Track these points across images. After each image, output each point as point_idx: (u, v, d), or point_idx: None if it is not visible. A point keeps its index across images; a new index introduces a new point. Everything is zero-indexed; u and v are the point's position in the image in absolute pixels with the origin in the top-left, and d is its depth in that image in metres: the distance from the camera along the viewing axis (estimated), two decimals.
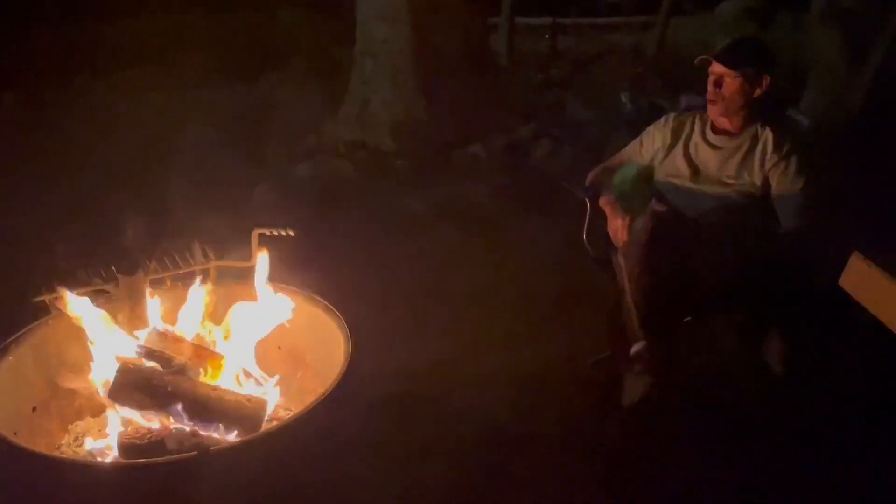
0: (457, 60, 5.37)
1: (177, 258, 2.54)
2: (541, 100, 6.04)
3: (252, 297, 2.50)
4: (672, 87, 6.02)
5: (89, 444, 2.23)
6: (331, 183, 4.71)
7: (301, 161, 4.94)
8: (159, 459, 1.89)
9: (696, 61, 2.71)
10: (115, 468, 1.98)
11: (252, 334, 2.46)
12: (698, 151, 2.83)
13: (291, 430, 1.90)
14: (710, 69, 2.68)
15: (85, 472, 1.84)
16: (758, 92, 2.66)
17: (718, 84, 2.66)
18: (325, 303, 2.43)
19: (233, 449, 1.91)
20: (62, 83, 6.37)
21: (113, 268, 2.41)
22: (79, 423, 2.38)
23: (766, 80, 2.65)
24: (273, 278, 2.51)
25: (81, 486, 1.78)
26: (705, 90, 2.77)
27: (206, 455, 1.79)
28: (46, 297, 2.24)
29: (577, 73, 7.22)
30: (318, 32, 7.61)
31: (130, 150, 5.01)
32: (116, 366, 2.23)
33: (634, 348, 2.34)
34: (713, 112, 2.73)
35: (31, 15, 6.91)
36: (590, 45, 8.59)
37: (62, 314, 2.23)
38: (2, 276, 3.12)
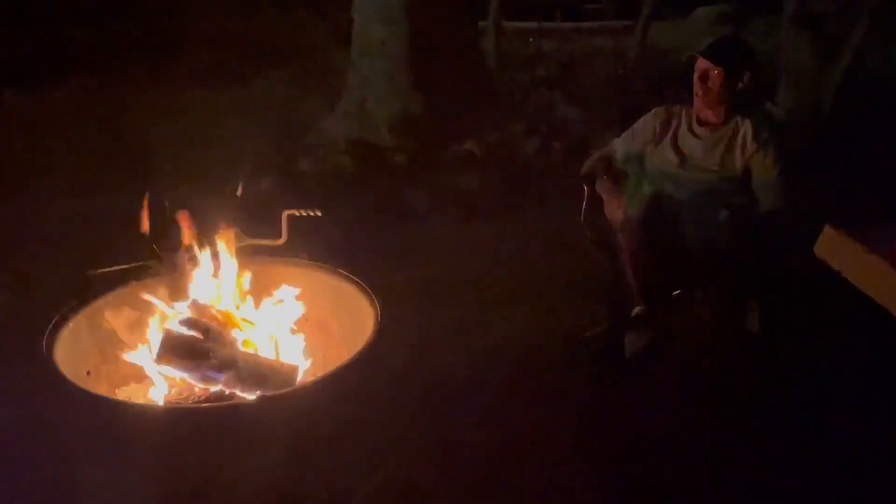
0: (450, 60, 5.60)
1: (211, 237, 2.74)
2: (529, 99, 6.30)
3: (283, 274, 2.73)
4: (653, 88, 6.31)
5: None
6: (332, 176, 4.93)
7: (303, 156, 5.15)
8: (223, 404, 2.10)
9: (683, 57, 2.98)
10: (192, 410, 2.24)
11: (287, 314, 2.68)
12: (685, 141, 3.09)
13: (338, 379, 2.14)
14: (696, 65, 2.95)
15: (158, 415, 2.07)
16: (739, 85, 2.93)
17: (704, 79, 2.92)
18: (353, 277, 2.65)
19: (284, 397, 2.14)
20: (64, 81, 6.51)
21: (155, 246, 2.62)
22: (124, 387, 2.58)
23: (747, 75, 2.93)
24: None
25: (151, 428, 2.01)
26: (690, 86, 3.05)
27: (271, 399, 2.01)
28: (99, 271, 2.44)
29: (562, 74, 7.49)
30: (311, 34, 7.81)
31: (137, 146, 5.19)
32: (161, 334, 2.46)
33: (635, 311, 2.60)
34: (699, 104, 2.99)
35: (31, 14, 7.03)
36: (573, 48, 8.88)
37: (113, 287, 2.45)
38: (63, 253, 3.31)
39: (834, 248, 2.26)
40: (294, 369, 2.49)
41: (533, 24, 9.17)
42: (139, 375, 2.62)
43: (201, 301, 2.60)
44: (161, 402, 2.39)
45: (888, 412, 2.71)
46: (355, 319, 2.60)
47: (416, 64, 5.46)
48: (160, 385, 2.46)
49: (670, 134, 3.12)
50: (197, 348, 2.43)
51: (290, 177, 4.83)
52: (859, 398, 2.80)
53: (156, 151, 4.84)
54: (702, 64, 2.91)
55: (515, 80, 7.03)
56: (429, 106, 5.45)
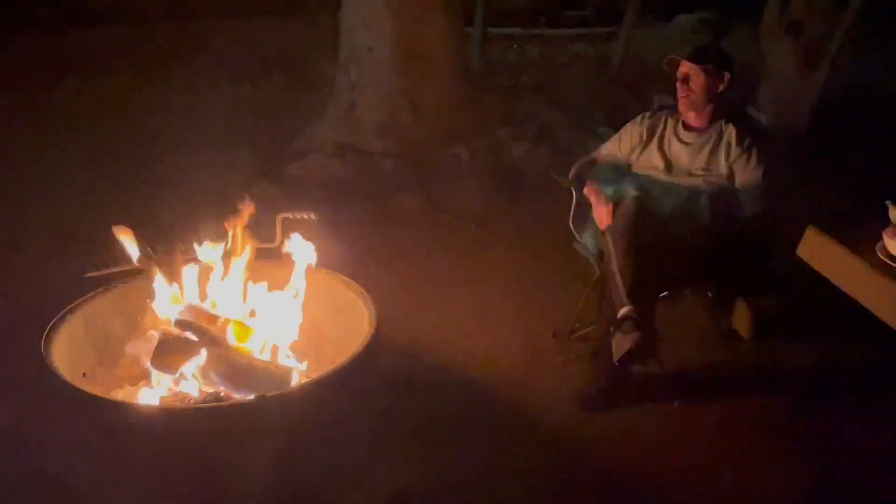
0: (436, 66, 5.64)
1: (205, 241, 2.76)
2: (515, 105, 6.36)
3: (274, 275, 2.76)
4: (636, 94, 6.40)
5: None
6: (322, 181, 4.94)
7: (292, 161, 5.18)
8: (219, 404, 2.13)
9: (664, 61, 3.04)
10: (187, 411, 2.26)
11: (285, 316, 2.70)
12: (671, 146, 3.16)
13: (334, 380, 2.17)
14: (679, 70, 3.01)
15: (154, 416, 2.09)
16: (721, 87, 3.00)
17: (686, 81, 2.99)
18: (348, 280, 2.68)
19: (280, 398, 2.17)
20: (45, 86, 6.51)
21: (149, 249, 2.64)
22: (119, 390, 2.60)
23: (727, 77, 3.00)
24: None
25: (148, 429, 2.04)
26: (674, 92, 3.12)
27: (266, 400, 2.04)
28: (95, 273, 2.46)
29: (546, 80, 7.56)
30: (297, 40, 7.83)
31: (127, 152, 5.21)
32: (157, 336, 2.48)
33: (622, 312, 2.65)
34: (683, 107, 3.05)
35: (22, 19, 7.02)
36: (557, 55, 8.97)
37: (110, 289, 2.47)
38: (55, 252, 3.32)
39: (816, 249, 2.34)
40: (289, 371, 2.52)
41: (517, 31, 9.25)
42: (135, 377, 2.64)
43: (197, 303, 2.62)
44: (157, 404, 2.41)
45: (874, 410, 2.79)
46: (350, 321, 2.64)
47: (404, 70, 5.49)
48: (156, 386, 2.48)
49: (656, 139, 3.18)
50: (192, 350, 2.47)
51: (280, 181, 4.85)
52: (845, 396, 2.88)
53: (147, 156, 4.86)
54: (683, 67, 2.98)
55: (501, 85, 7.08)
56: (416, 111, 5.49)
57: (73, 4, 7.31)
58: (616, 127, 3.39)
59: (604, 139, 3.42)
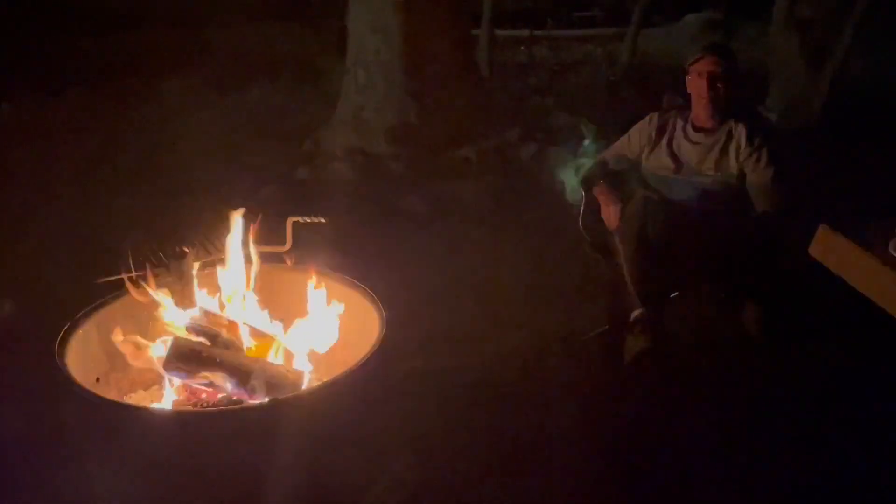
0: (444, 69, 5.66)
1: (217, 245, 2.78)
2: (523, 106, 6.37)
3: (286, 279, 2.77)
4: (644, 93, 6.40)
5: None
6: (330, 184, 4.97)
7: (300, 165, 5.20)
8: (232, 408, 2.14)
9: (695, 58, 2.97)
10: (201, 415, 2.28)
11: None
12: (680, 147, 3.15)
13: (346, 383, 2.17)
14: (700, 69, 2.96)
15: (167, 420, 2.10)
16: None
17: (715, 79, 2.94)
18: (358, 283, 2.69)
19: (293, 401, 2.17)
20: (53, 93, 6.55)
21: (161, 254, 2.65)
22: (132, 394, 2.61)
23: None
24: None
25: (161, 432, 2.04)
26: (683, 91, 3.11)
27: (279, 403, 2.05)
28: (108, 279, 2.48)
29: (554, 81, 7.57)
30: (303, 44, 7.87)
31: (136, 158, 5.23)
32: (170, 340, 2.49)
33: (634, 314, 2.65)
34: (708, 107, 3.00)
35: (31, 25, 7.07)
36: (565, 55, 8.98)
37: (121, 294, 2.48)
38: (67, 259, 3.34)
39: (829, 247, 2.32)
40: (301, 375, 2.52)
41: (525, 32, 9.26)
42: (147, 382, 2.66)
43: (209, 308, 2.63)
44: (170, 408, 2.42)
45: (886, 411, 2.77)
46: (359, 324, 2.64)
47: (411, 72, 5.51)
48: (169, 391, 2.50)
49: (665, 139, 3.17)
50: (205, 354, 2.48)
51: (290, 185, 4.87)
52: (858, 397, 2.86)
53: (154, 161, 4.88)
54: (708, 66, 2.94)
55: (509, 87, 7.09)
56: (424, 113, 5.50)
57: (80, 9, 7.35)
58: (624, 128, 3.38)
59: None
